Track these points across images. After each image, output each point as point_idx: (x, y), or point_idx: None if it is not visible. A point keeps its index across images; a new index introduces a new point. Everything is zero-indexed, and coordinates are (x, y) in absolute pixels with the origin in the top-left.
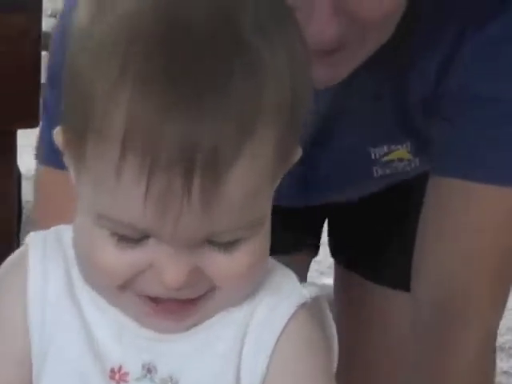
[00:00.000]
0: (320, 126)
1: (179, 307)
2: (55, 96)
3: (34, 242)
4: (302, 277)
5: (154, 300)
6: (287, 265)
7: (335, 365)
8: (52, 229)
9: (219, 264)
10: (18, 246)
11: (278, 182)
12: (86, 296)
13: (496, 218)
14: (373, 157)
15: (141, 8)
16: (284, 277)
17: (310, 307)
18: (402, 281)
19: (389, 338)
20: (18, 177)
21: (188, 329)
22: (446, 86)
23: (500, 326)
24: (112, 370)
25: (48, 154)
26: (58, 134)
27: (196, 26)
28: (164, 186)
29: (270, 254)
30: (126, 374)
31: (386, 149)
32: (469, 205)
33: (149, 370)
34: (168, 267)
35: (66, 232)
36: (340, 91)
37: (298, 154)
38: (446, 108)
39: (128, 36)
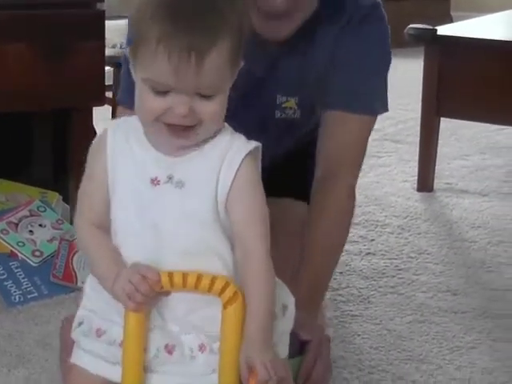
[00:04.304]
0: (256, 81)
1: (183, 129)
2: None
3: (111, 123)
4: None
5: (171, 126)
6: None
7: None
8: (122, 118)
9: (204, 106)
10: None
11: (234, 76)
12: (136, 144)
13: (354, 128)
14: (277, 102)
15: None
16: (239, 139)
17: (253, 153)
18: (300, 193)
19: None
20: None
21: (191, 146)
22: (330, 64)
23: None
24: (151, 179)
25: (122, 96)
26: (128, 51)
27: None
28: (176, 63)
29: None
30: (159, 180)
31: (285, 98)
32: (340, 122)
33: (170, 177)
34: (179, 105)
35: (132, 117)
36: (275, 56)
37: (241, 63)
38: (330, 72)
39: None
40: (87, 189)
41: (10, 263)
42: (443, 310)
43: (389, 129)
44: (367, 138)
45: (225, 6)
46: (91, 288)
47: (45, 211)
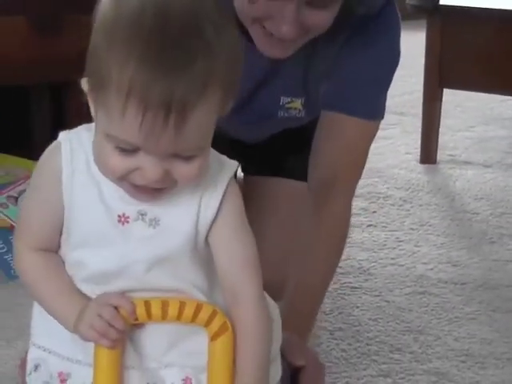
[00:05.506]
0: (256, 83)
1: (153, 190)
2: None
3: (64, 138)
4: None
5: (139, 186)
6: None
7: None
8: (74, 130)
9: (181, 169)
10: None
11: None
12: (100, 175)
13: (354, 133)
14: (281, 103)
15: (143, 6)
16: (219, 159)
17: (233, 180)
18: (299, 174)
19: (280, 215)
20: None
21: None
22: (335, 65)
23: None
24: (118, 216)
25: None
26: (84, 83)
27: (177, 25)
28: (152, 121)
29: None
30: (128, 217)
31: (289, 99)
32: (339, 125)
33: (141, 214)
34: (150, 168)
35: (83, 133)
36: (276, 60)
37: (230, 107)
38: (332, 76)
39: (132, 26)
40: (32, 211)
41: (10, 237)
42: (443, 281)
43: (392, 101)
44: (368, 147)
45: (214, 35)
46: (40, 318)
47: None
